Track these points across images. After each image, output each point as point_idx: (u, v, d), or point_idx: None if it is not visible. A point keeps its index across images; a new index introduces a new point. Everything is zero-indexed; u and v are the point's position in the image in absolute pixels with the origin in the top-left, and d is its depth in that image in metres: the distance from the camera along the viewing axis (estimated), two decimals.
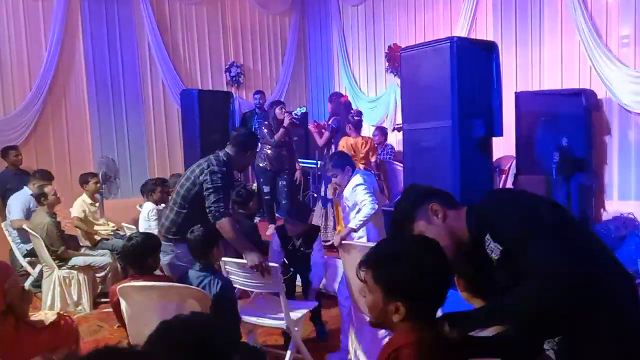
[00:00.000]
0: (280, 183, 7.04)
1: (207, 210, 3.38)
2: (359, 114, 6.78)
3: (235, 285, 3.51)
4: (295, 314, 3.52)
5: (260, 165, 6.93)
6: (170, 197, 3.88)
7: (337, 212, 6.12)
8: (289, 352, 3.44)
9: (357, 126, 6.41)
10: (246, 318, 3.50)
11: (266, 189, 6.98)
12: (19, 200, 5.65)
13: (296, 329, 3.48)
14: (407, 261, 1.42)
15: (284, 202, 6.85)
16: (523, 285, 1.43)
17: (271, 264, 3.35)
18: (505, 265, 1.54)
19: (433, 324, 1.46)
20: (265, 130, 7.00)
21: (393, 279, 1.42)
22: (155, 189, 5.59)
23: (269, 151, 6.92)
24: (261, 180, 7.07)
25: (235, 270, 3.45)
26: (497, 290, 1.61)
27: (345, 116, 6.87)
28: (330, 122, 7.20)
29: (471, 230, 1.65)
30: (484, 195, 1.71)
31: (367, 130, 8.74)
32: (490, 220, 1.58)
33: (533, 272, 1.41)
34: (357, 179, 3.71)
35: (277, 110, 7.01)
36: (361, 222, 3.90)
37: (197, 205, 3.45)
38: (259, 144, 7.05)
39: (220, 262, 3.50)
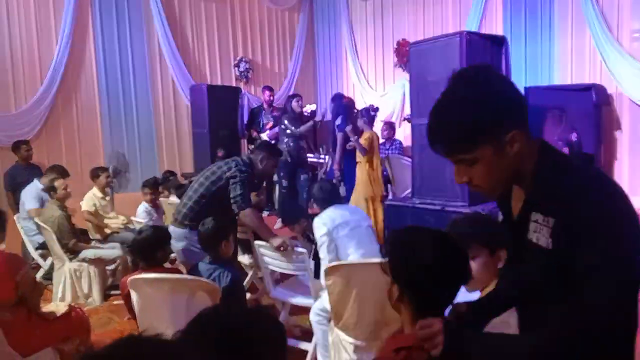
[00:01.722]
0: (302, 177, 7.06)
1: (233, 200, 3.71)
2: (376, 109, 6.80)
3: (272, 268, 3.77)
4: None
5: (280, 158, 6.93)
6: (190, 187, 4.05)
7: None
8: None
9: (373, 121, 6.45)
10: (280, 296, 3.79)
11: (284, 182, 6.95)
12: (31, 192, 5.70)
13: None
14: (408, 247, 1.42)
15: (305, 196, 6.87)
16: (556, 334, 1.16)
17: (299, 249, 3.59)
18: (545, 262, 1.24)
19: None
20: (287, 122, 7.02)
21: (393, 260, 1.44)
22: (144, 189, 5.81)
23: (290, 143, 6.93)
24: (281, 174, 7.05)
25: (269, 252, 3.69)
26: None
27: (348, 116, 6.88)
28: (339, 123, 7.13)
29: (535, 187, 1.24)
30: (574, 167, 1.22)
31: (376, 125, 8.74)
32: (565, 208, 1.16)
33: (578, 310, 1.14)
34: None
35: (294, 103, 7.03)
36: None
37: (217, 198, 3.76)
38: (281, 137, 7.09)
39: (255, 245, 3.80)
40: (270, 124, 8.37)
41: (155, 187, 5.82)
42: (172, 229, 3.83)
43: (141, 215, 5.59)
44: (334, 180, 6.90)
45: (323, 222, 3.38)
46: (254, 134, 8.68)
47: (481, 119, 1.18)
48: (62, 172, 5.84)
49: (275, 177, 7.34)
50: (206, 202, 3.80)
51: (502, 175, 1.25)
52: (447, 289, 1.43)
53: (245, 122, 8.95)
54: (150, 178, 6.07)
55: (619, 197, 1.16)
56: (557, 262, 1.18)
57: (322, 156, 7.77)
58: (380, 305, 2.76)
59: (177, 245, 3.69)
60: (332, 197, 3.62)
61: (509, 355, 1.20)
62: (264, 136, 8.40)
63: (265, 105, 8.57)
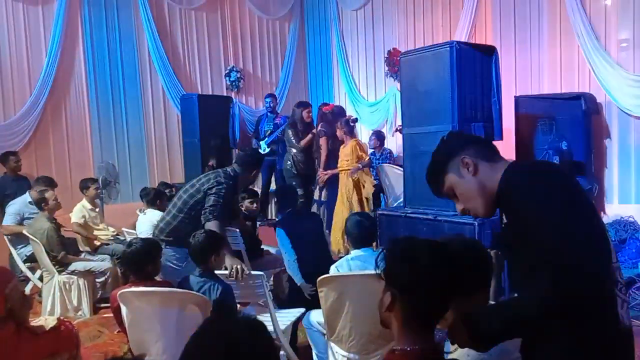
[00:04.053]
0: (313, 188, 7.06)
1: (202, 212, 3.60)
2: (355, 120, 6.87)
3: None
4: (283, 322, 3.48)
5: (288, 168, 6.85)
6: (171, 201, 4.02)
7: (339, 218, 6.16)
8: None
9: (352, 132, 6.54)
10: None
11: (300, 191, 6.82)
12: (15, 207, 5.64)
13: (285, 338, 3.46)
14: (406, 253, 1.45)
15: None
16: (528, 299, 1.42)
17: (254, 272, 3.39)
18: (508, 238, 1.53)
19: (428, 335, 1.46)
20: (291, 133, 6.92)
21: (388, 264, 1.46)
22: (162, 197, 5.61)
23: (298, 155, 6.86)
24: (293, 183, 6.96)
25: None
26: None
27: (331, 123, 6.91)
28: (320, 128, 7.13)
29: (500, 189, 1.53)
30: (524, 163, 1.63)
31: (366, 134, 8.77)
32: (509, 192, 1.49)
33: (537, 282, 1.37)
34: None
35: (305, 114, 6.93)
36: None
37: (195, 212, 3.68)
38: (286, 147, 7.03)
39: None
40: (270, 131, 8.35)
41: (164, 192, 5.77)
42: None
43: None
44: (318, 186, 6.94)
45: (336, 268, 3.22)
46: (254, 141, 8.67)
47: (439, 159, 1.68)
48: (50, 183, 5.79)
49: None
50: (183, 216, 3.74)
51: (475, 195, 1.59)
52: (440, 298, 1.44)
53: (237, 131, 8.96)
54: (160, 184, 6.03)
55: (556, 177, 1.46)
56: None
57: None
58: (373, 318, 2.72)
59: None
60: (367, 237, 3.28)
61: (510, 322, 1.45)
62: (263, 144, 8.38)
63: (268, 113, 8.55)
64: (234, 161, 4.12)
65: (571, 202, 1.40)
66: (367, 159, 6.47)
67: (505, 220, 1.61)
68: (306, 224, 4.50)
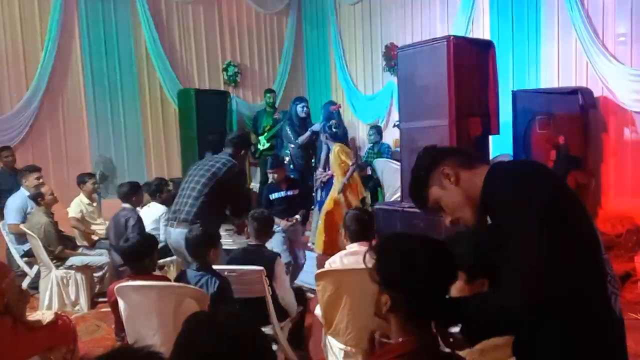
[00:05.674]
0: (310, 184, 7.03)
1: (231, 211, 3.97)
2: (337, 126, 6.72)
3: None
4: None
5: (284, 163, 6.79)
6: (184, 187, 4.00)
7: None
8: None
9: (334, 137, 6.41)
10: None
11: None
12: (16, 204, 5.60)
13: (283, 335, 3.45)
14: (400, 256, 1.43)
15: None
16: (504, 294, 1.45)
17: (253, 267, 3.33)
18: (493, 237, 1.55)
19: (427, 328, 1.47)
20: (289, 129, 6.87)
21: (385, 270, 1.45)
22: (163, 188, 5.66)
23: (294, 151, 6.78)
24: (292, 176, 6.88)
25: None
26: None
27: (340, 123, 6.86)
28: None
29: (482, 193, 1.55)
30: (502, 165, 1.65)
31: (364, 129, 8.77)
32: (489, 191, 1.52)
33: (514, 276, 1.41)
34: None
35: (299, 108, 6.89)
36: None
37: (216, 195, 3.87)
38: (285, 143, 6.99)
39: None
40: (269, 126, 8.35)
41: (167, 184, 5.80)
42: (176, 230, 3.78)
43: (164, 217, 5.09)
44: (318, 183, 6.91)
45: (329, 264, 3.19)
46: (252, 137, 8.65)
47: (420, 174, 1.66)
48: (35, 169, 5.75)
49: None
50: (204, 200, 3.85)
51: (461, 204, 1.60)
52: (439, 292, 1.45)
53: (235, 126, 8.94)
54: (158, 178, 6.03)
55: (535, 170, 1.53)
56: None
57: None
58: (371, 312, 2.73)
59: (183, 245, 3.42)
60: (365, 231, 3.25)
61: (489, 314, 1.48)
62: (262, 139, 8.37)
63: (267, 108, 8.55)
64: (224, 147, 4.15)
65: (547, 204, 1.41)
66: (349, 168, 6.09)
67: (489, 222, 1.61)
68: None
